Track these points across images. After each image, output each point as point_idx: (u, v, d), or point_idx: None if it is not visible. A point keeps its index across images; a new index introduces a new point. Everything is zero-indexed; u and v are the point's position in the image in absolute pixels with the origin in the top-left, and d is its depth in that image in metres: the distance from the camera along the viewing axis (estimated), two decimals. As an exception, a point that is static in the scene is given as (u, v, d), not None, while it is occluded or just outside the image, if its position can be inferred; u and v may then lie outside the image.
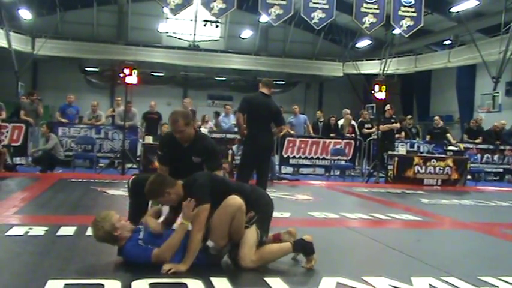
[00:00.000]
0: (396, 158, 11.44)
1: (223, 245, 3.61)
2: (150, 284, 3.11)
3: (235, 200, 3.57)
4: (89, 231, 4.52)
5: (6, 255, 3.76)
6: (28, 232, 4.46)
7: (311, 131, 13.58)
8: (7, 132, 11.14)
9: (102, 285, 3.05)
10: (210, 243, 3.62)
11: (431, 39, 21.99)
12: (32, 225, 4.74)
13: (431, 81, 24.82)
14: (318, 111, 15.10)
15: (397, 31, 17.35)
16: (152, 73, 23.59)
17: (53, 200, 7.04)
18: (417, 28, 14.78)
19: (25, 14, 20.91)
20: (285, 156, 12.68)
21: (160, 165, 4.43)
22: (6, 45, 19.04)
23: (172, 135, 4.33)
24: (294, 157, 12.79)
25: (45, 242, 4.23)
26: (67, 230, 4.58)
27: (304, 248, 3.70)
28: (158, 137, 10.78)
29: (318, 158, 12.91)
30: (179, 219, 3.73)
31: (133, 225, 3.71)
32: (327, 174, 12.81)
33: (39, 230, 4.52)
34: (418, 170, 11.39)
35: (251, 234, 3.60)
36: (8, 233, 4.38)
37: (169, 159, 4.34)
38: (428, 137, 14.34)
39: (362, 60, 24.64)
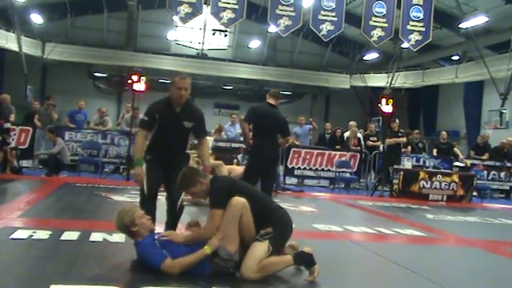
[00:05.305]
0: (402, 172, 11.40)
1: (234, 251, 3.60)
2: (152, 292, 3.11)
3: (238, 199, 3.65)
4: (93, 237, 4.57)
5: (10, 259, 3.77)
6: (32, 236, 4.46)
7: (316, 126, 14.12)
8: (14, 135, 11.20)
9: (105, 291, 3.05)
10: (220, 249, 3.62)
11: (439, 54, 21.98)
12: (36, 228, 4.75)
13: (439, 96, 24.75)
14: (327, 123, 15.12)
15: (405, 45, 17.35)
16: (160, 80, 23.69)
17: (57, 204, 7.07)
18: (425, 43, 14.79)
19: (36, 19, 21.11)
20: (290, 167, 12.67)
21: (143, 130, 4.61)
22: (16, 49, 19.22)
23: (166, 102, 4.60)
24: (298, 168, 12.76)
25: (48, 246, 4.23)
26: (71, 235, 4.58)
27: (305, 260, 3.70)
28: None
29: (322, 170, 12.88)
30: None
31: None
32: (331, 186, 12.77)
33: (43, 234, 4.53)
34: (424, 185, 11.33)
35: (260, 248, 3.60)
36: (12, 236, 4.39)
37: (155, 125, 4.52)
38: (434, 151, 14.27)
39: (369, 73, 24.63)
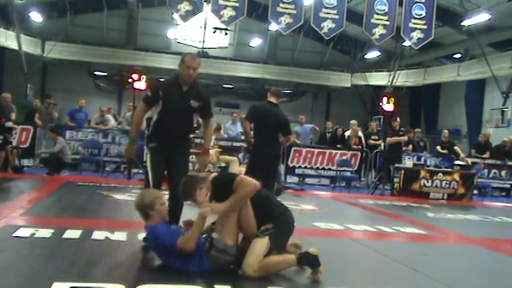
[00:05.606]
0: (402, 171, 11.40)
1: (230, 243, 3.62)
2: (154, 290, 3.12)
3: None
4: (95, 235, 4.59)
5: (13, 257, 3.79)
6: (34, 234, 4.48)
7: (317, 128, 13.88)
8: (16, 134, 11.20)
9: (107, 289, 3.06)
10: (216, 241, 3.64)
11: (441, 52, 21.95)
12: (38, 227, 4.76)
13: (440, 95, 24.75)
14: (328, 122, 15.17)
15: (407, 43, 17.35)
16: (160, 79, 23.69)
17: (59, 202, 7.08)
18: (427, 41, 14.77)
19: (36, 17, 21.11)
20: (291, 165, 12.68)
21: (143, 104, 4.65)
22: (16, 47, 19.20)
23: (174, 79, 4.64)
24: (299, 167, 12.77)
25: (51, 244, 4.25)
26: (73, 233, 4.60)
27: (309, 261, 3.69)
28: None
29: (323, 169, 12.89)
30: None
31: None
32: (332, 185, 12.78)
33: (45, 232, 4.54)
34: (424, 184, 11.34)
35: (261, 244, 3.62)
36: (14, 234, 4.41)
37: (158, 101, 4.50)
38: (438, 148, 14.15)
39: (371, 72, 24.62)
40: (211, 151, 6.37)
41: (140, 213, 3.82)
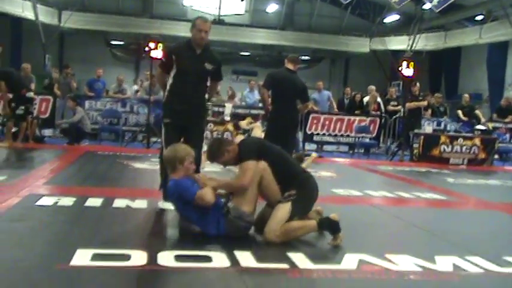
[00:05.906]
0: (422, 137, 11.28)
1: (248, 211, 3.65)
2: (176, 256, 3.17)
3: (259, 163, 3.71)
4: (116, 203, 4.65)
5: (38, 224, 3.88)
6: (57, 202, 4.57)
7: (335, 107, 13.48)
8: (35, 104, 11.32)
9: (129, 255, 3.12)
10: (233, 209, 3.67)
11: (462, 14, 21.23)
12: (60, 195, 4.86)
13: (461, 58, 24.14)
14: (347, 88, 14.95)
15: (427, 6, 16.86)
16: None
17: (80, 172, 7.20)
18: (448, 3, 14.36)
19: (52, -13, 21.03)
20: (309, 133, 12.64)
21: (161, 70, 4.87)
22: (33, 18, 19.22)
23: (186, 43, 4.70)
24: (318, 134, 12.73)
25: (74, 212, 4.34)
26: (94, 202, 4.68)
27: (329, 227, 3.72)
28: None
29: (342, 135, 12.82)
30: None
31: None
32: (351, 151, 12.72)
33: (67, 201, 4.63)
34: (444, 149, 11.21)
35: (283, 210, 3.66)
36: (38, 203, 4.50)
37: (173, 66, 4.62)
38: (460, 112, 13.88)
39: (390, 36, 24.08)
40: (245, 120, 6.89)
41: (168, 165, 3.84)
